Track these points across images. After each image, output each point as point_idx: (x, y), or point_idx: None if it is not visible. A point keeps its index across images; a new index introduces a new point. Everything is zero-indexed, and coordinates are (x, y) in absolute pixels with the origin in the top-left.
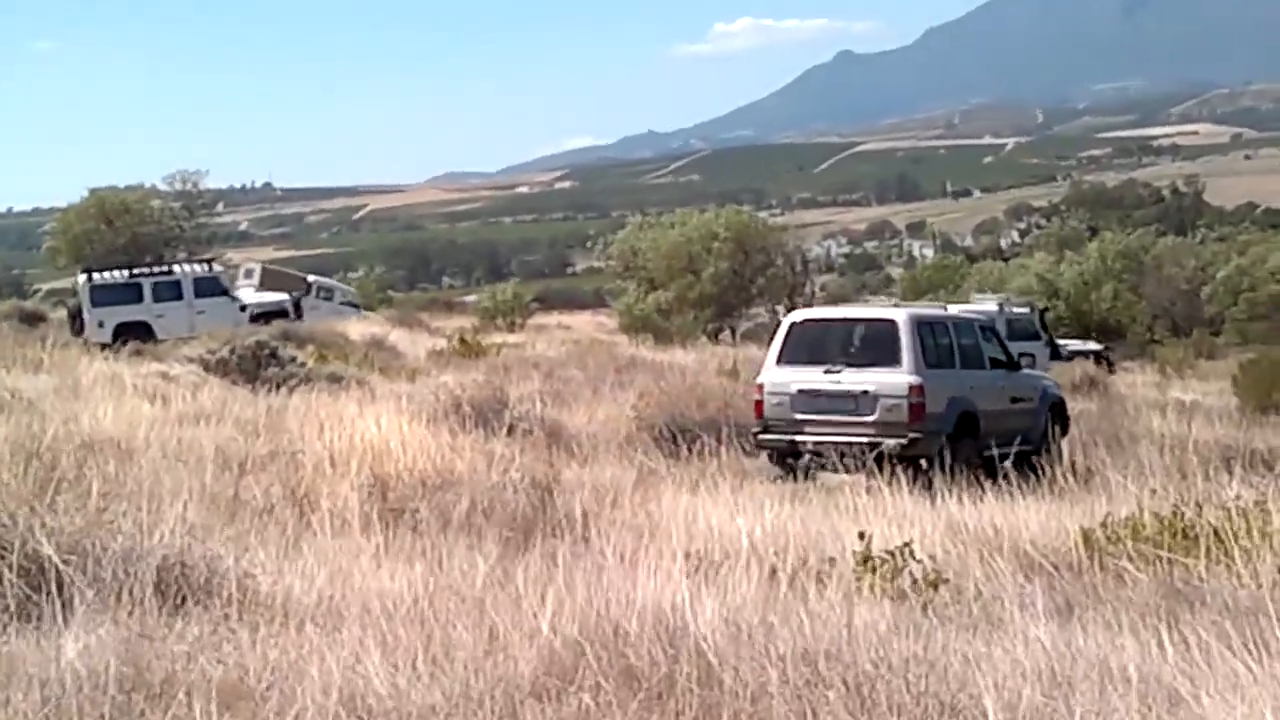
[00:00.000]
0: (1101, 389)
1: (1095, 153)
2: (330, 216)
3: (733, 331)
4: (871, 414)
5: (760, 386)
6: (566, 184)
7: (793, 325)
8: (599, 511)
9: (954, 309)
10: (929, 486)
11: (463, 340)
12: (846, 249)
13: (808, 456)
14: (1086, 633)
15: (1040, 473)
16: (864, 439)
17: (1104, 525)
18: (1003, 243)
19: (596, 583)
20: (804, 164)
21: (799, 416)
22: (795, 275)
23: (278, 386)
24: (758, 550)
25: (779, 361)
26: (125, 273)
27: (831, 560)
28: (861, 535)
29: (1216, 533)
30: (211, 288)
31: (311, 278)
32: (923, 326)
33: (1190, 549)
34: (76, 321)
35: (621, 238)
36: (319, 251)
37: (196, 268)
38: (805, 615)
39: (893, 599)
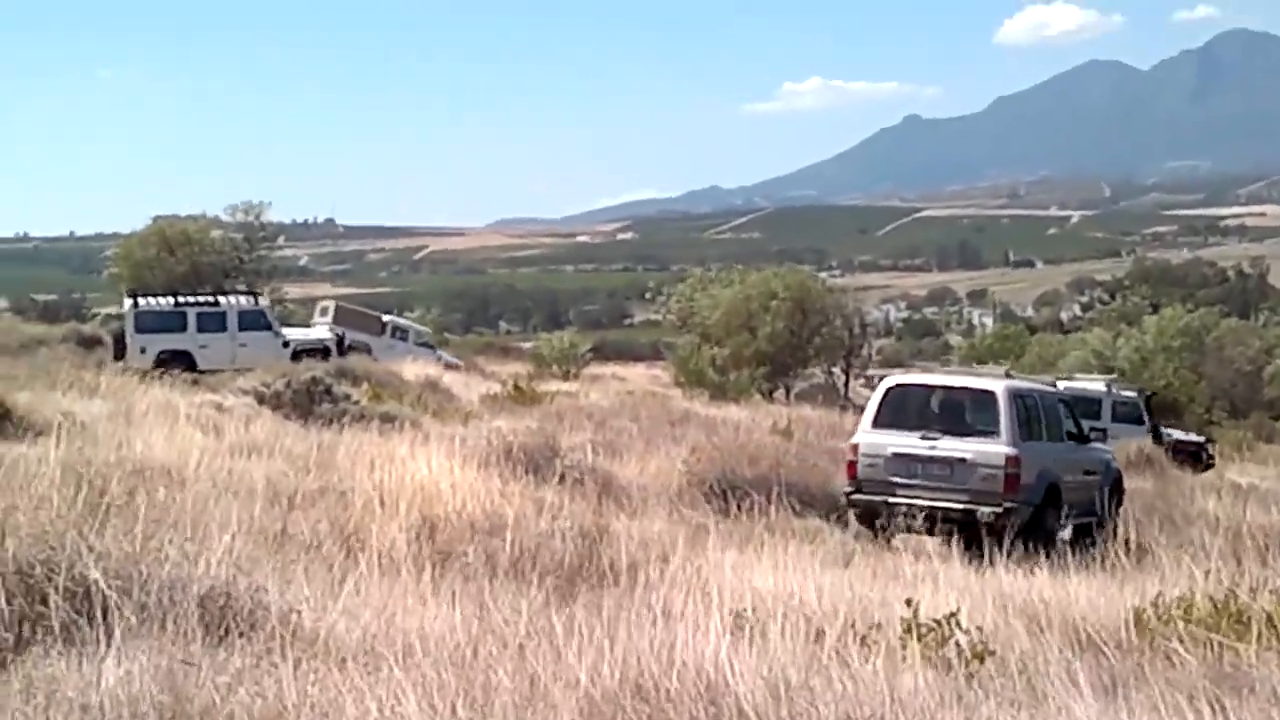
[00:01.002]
0: (1157, 468)
1: (1161, 229)
2: (390, 255)
3: (787, 391)
4: (966, 482)
5: (854, 447)
6: (628, 235)
7: (890, 389)
8: (646, 564)
9: (1062, 384)
10: (981, 556)
11: (517, 386)
12: (905, 314)
13: (899, 519)
14: (1132, 713)
15: (1096, 546)
16: (957, 506)
17: (1155, 604)
18: (1064, 315)
19: (640, 636)
20: (866, 226)
21: (892, 479)
22: (852, 337)
23: (330, 423)
24: (805, 611)
25: (874, 424)
26: (171, 300)
27: (878, 625)
28: (909, 602)
29: (1270, 618)
30: (255, 321)
31: (387, 317)
32: (1018, 398)
33: (1242, 634)
34: (119, 345)
35: (680, 291)
36: (378, 290)
37: (242, 300)
38: (848, 680)
39: (937, 668)
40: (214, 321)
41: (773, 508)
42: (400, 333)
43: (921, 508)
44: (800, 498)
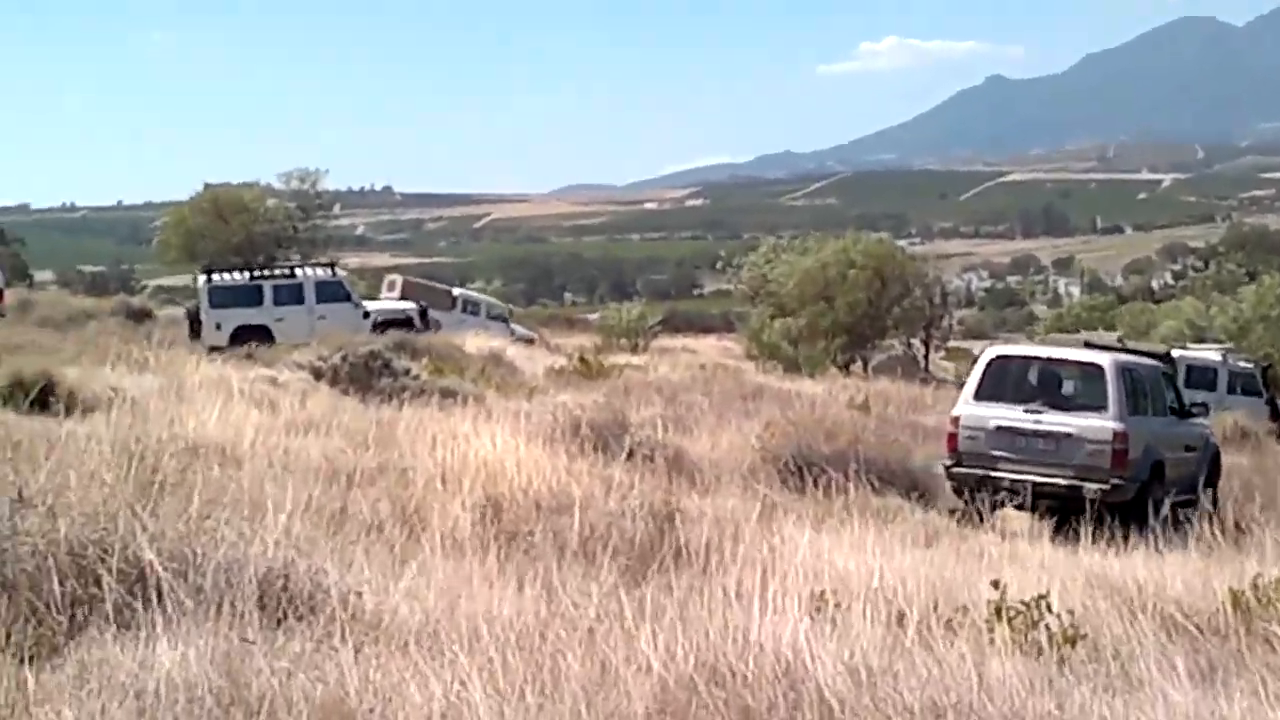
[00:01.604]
0: (1254, 442)
1: (1258, 193)
2: (449, 224)
3: (865, 363)
4: (1073, 457)
5: (955, 420)
6: (698, 201)
7: (992, 360)
8: (719, 544)
9: (1176, 353)
10: (1072, 535)
11: (583, 359)
12: (988, 283)
13: (1000, 494)
14: (1230, 700)
15: (1192, 525)
16: (1062, 481)
17: (1254, 586)
18: (1154, 284)
19: (714, 618)
20: (947, 191)
21: (994, 453)
22: (933, 308)
23: (390, 398)
24: (886, 593)
25: (976, 396)
26: (246, 274)
27: (963, 609)
28: (996, 584)
29: None
30: (334, 292)
31: (457, 290)
32: (1125, 372)
33: None
34: (194, 323)
35: (753, 260)
36: (437, 260)
37: (319, 271)
38: (933, 665)
39: (1026, 653)
40: (291, 294)
41: (850, 485)
42: (471, 307)
43: (1024, 483)
44: (879, 475)
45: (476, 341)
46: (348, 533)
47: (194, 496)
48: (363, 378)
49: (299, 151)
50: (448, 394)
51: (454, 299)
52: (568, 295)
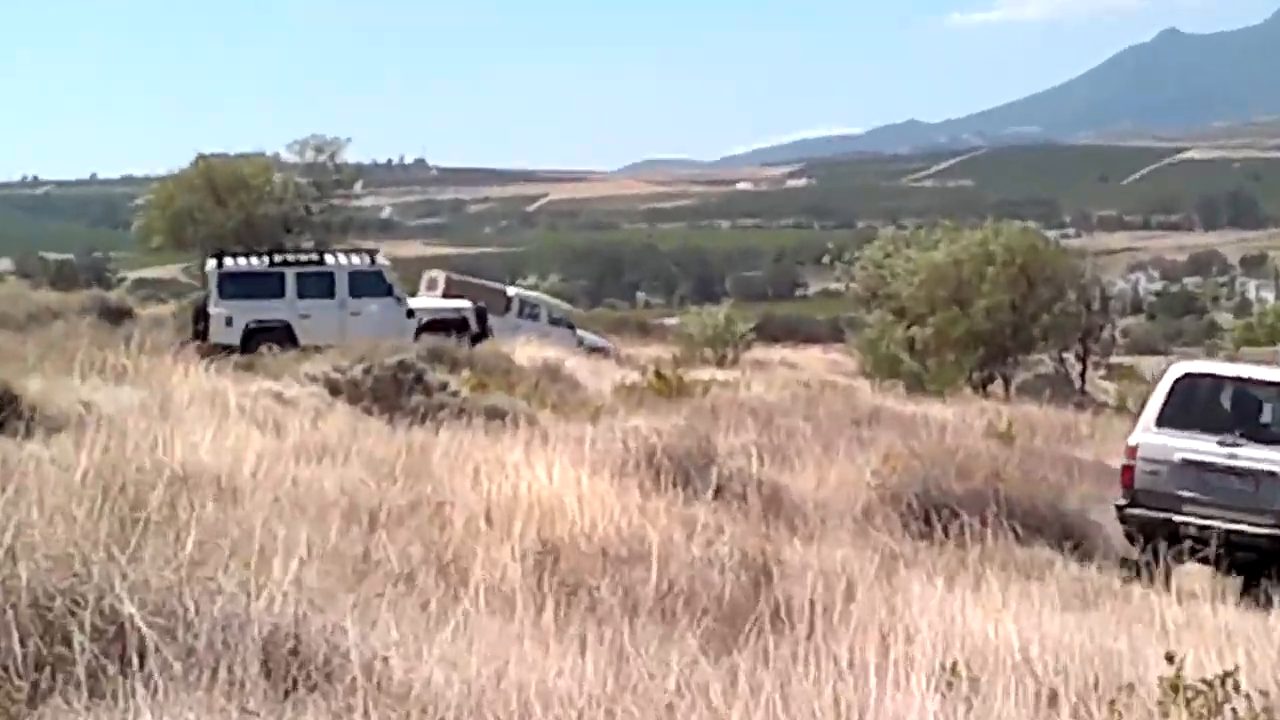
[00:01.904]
0: None
1: None
2: (497, 206)
3: (1006, 382)
4: (1275, 502)
5: (1133, 450)
6: (801, 181)
7: (1180, 379)
8: (827, 603)
9: None
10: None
11: (660, 374)
12: (1159, 285)
13: (1183, 543)
14: None
15: None
16: (1261, 531)
17: None
18: None
19: (820, 694)
20: (1109, 173)
21: (1179, 493)
22: (1091, 315)
23: (423, 419)
24: (1033, 666)
25: (1159, 423)
26: (265, 259)
27: (1129, 687)
28: (1170, 657)
29: None
30: (372, 285)
31: (512, 290)
32: None
33: None
34: (201, 319)
35: (869, 254)
36: (481, 250)
37: (354, 259)
38: None
39: None
40: (319, 285)
41: (989, 532)
42: (529, 309)
43: (1212, 530)
44: (1024, 520)
45: (528, 351)
46: (371, 584)
47: (184, 538)
48: (390, 393)
49: (312, 119)
50: (494, 414)
51: (508, 300)
52: (641, 295)
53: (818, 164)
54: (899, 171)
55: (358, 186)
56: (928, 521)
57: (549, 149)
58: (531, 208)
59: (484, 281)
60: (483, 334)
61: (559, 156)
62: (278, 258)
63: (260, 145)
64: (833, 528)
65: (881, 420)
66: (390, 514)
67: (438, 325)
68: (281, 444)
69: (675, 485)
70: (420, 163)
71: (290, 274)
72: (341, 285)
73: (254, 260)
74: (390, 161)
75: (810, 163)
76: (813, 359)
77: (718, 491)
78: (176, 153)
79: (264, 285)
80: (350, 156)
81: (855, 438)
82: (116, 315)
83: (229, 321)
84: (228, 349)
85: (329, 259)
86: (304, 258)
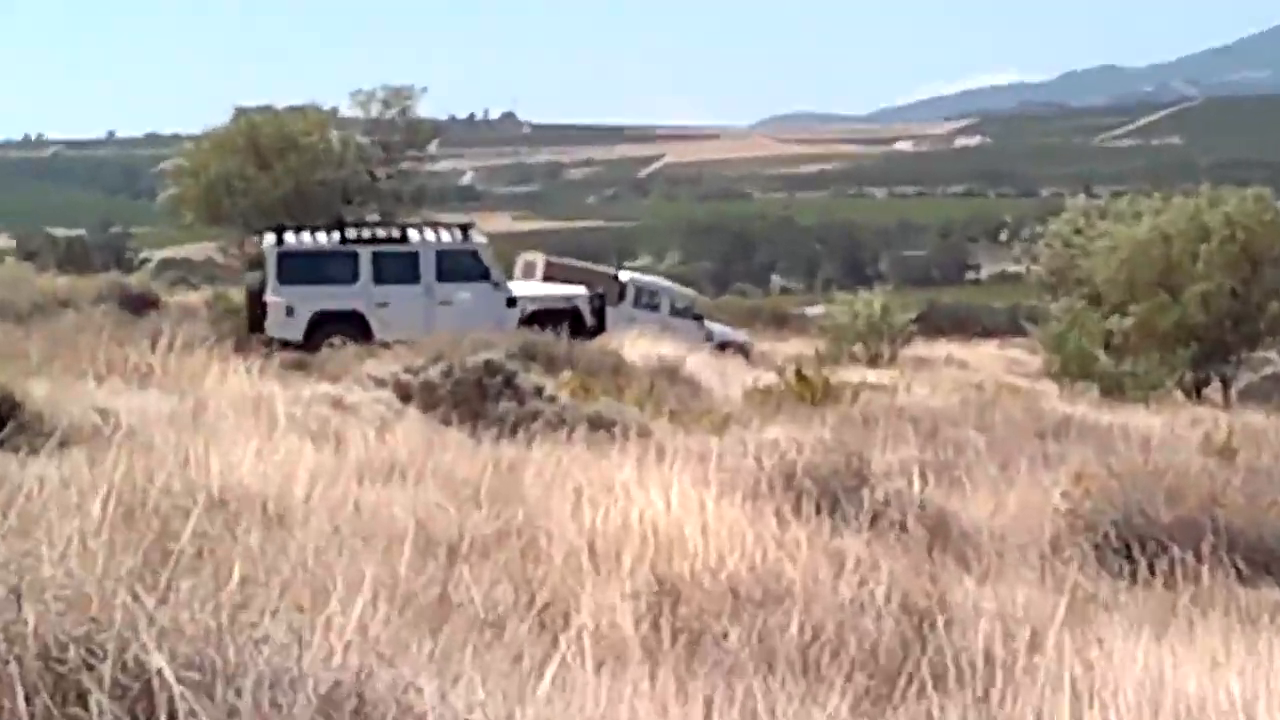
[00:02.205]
0: None
1: None
2: (602, 171)
3: (1225, 385)
4: None
5: None
6: (972, 140)
7: None
8: (1005, 656)
9: None
10: None
11: (801, 376)
12: None
13: None
14: None
15: None
16: None
17: None
18: None
19: None
20: None
21: None
22: None
23: (513, 430)
24: None
25: None
26: (335, 236)
27: None
28: None
29: None
30: (466, 268)
31: (626, 275)
32: None
33: None
34: (256, 307)
35: (1055, 230)
36: (582, 224)
37: (444, 235)
38: None
39: None
40: (400, 267)
41: (1205, 570)
42: (648, 297)
43: None
44: (1249, 555)
45: (640, 347)
46: (451, 630)
47: (224, 575)
48: (473, 399)
49: (376, 67)
50: (599, 425)
51: (621, 287)
52: (776, 279)
53: (992, 118)
54: (1092, 128)
55: (433, 147)
56: (1129, 556)
57: (666, 101)
58: (645, 173)
59: (591, 265)
60: (600, 327)
61: (678, 110)
62: (350, 233)
63: (313, 97)
64: (1012, 563)
65: (1072, 432)
66: (473, 546)
67: (545, 317)
68: (341, 461)
69: (820, 511)
70: (509, 118)
71: (365, 253)
72: (428, 267)
73: (321, 236)
74: (473, 117)
75: (983, 117)
76: (987, 356)
77: (872, 519)
78: (211, 107)
79: (333, 267)
80: (425, 110)
81: (1039, 453)
82: (139, 304)
83: (290, 311)
84: (287, 344)
85: (413, 235)
86: (382, 234)
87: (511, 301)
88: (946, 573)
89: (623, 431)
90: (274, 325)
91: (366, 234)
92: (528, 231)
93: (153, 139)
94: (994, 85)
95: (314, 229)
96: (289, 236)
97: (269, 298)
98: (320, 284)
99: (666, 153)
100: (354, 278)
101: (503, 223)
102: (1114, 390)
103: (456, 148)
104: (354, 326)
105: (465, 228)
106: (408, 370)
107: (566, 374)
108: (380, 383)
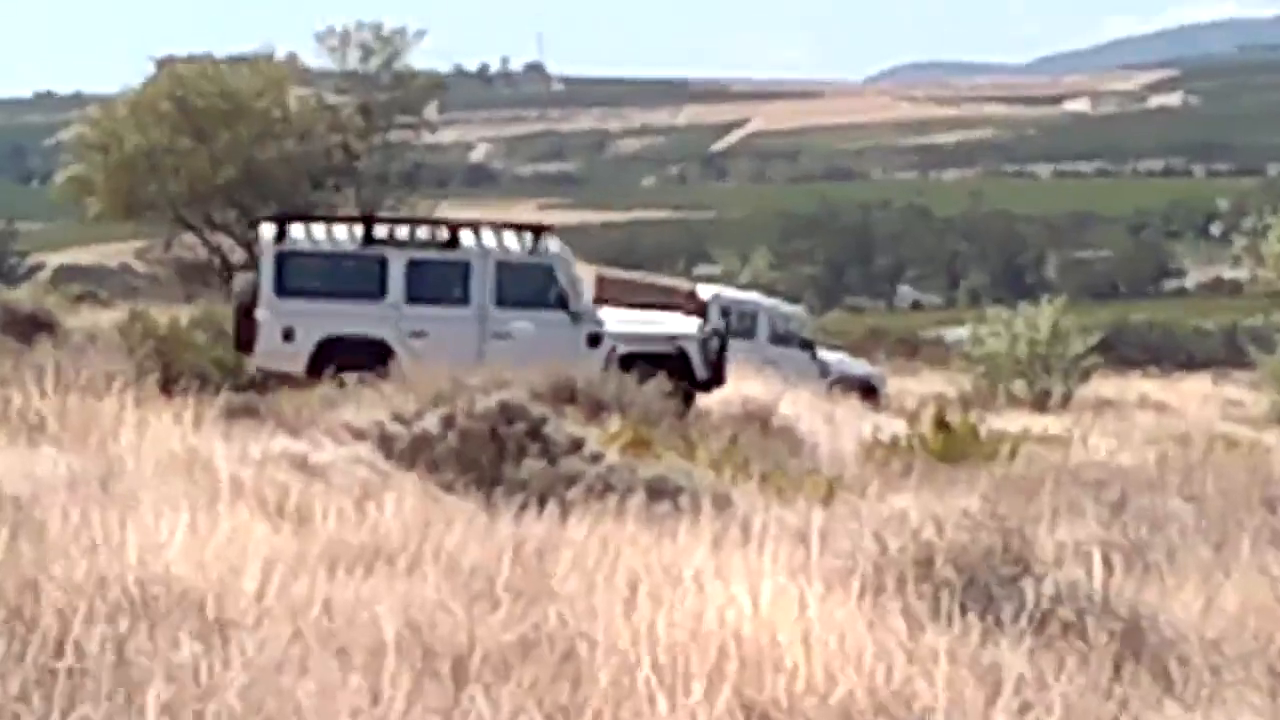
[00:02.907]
0: None
1: None
2: (663, 143)
3: None
4: None
5: None
6: (1173, 98)
7: None
8: None
9: None
10: None
11: (940, 424)
12: None
13: None
14: None
15: None
16: None
17: None
18: None
19: None
20: None
21: None
22: None
23: (541, 501)
24: None
25: None
26: (356, 232)
27: None
28: None
29: None
30: (535, 289)
31: (707, 290)
32: None
33: None
34: (244, 321)
35: None
36: (635, 214)
37: (509, 240)
38: None
39: None
40: (445, 281)
41: None
42: (740, 321)
43: None
44: None
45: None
46: None
47: (141, 702)
48: (486, 458)
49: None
50: (661, 493)
51: (702, 306)
52: (905, 290)
53: (1199, 69)
54: None
55: (432, 111)
56: None
57: (749, 45)
58: (721, 144)
59: (657, 279)
60: (717, 378)
61: (767, 59)
62: (379, 231)
63: (266, 42)
64: (1233, 682)
65: None
66: (488, 660)
67: (639, 362)
68: (306, 543)
69: (966, 611)
70: (535, 71)
71: (398, 260)
72: (483, 285)
73: (339, 232)
74: (487, 70)
75: (1188, 67)
76: (1194, 395)
77: (1038, 622)
78: (128, 58)
79: (352, 276)
80: (421, 61)
81: (1267, 530)
82: (27, 328)
83: (288, 334)
84: (282, 377)
85: (465, 238)
86: (424, 234)
87: (595, 339)
88: (1140, 695)
89: (693, 502)
90: (265, 352)
91: (402, 233)
92: (561, 227)
93: (46, 101)
94: (1204, 22)
95: (332, 221)
96: (295, 230)
97: (261, 313)
98: (333, 298)
99: (752, 116)
100: (380, 292)
101: (526, 210)
102: None
103: (464, 112)
104: (375, 358)
105: (539, 231)
106: (396, 418)
107: (615, 422)
108: (359, 435)
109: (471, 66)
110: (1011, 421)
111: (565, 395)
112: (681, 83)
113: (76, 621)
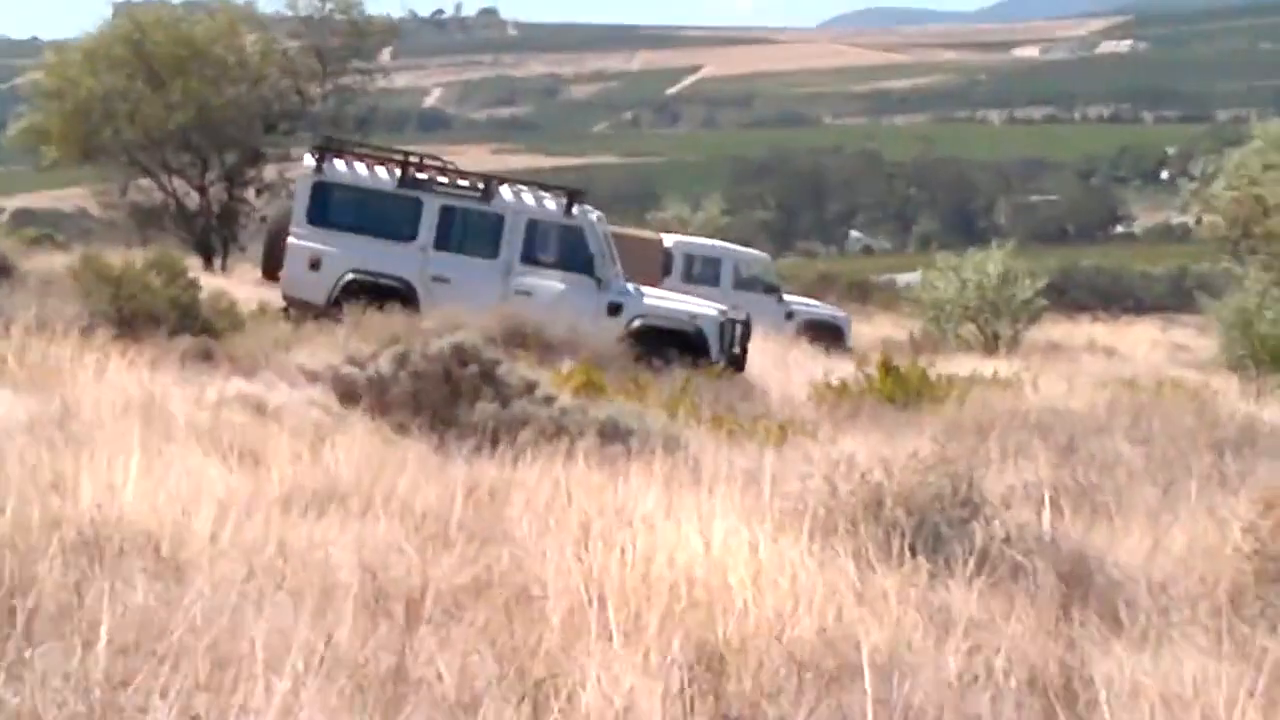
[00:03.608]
0: None
1: None
2: (616, 89)
3: None
4: None
5: None
6: (1123, 45)
7: None
8: None
9: None
10: None
11: (889, 368)
12: None
13: None
14: None
15: None
16: None
17: None
18: None
19: None
20: None
21: None
22: None
23: (494, 442)
24: None
25: None
26: (395, 172)
27: None
28: None
29: None
30: (564, 250)
31: (670, 238)
32: None
33: None
34: (273, 247)
35: (1238, 164)
36: (589, 160)
37: (546, 198)
38: None
39: None
40: (474, 231)
41: None
42: (704, 267)
43: None
44: None
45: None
46: (410, 716)
47: (96, 640)
48: (440, 400)
49: None
50: (613, 435)
51: (665, 254)
52: (856, 235)
53: (1152, 14)
54: None
55: (386, 56)
56: None
57: None
58: (674, 89)
59: (627, 231)
60: (738, 362)
61: (720, 6)
62: (413, 169)
63: None
64: (1179, 623)
65: (1257, 443)
66: (440, 601)
67: (655, 337)
68: (260, 485)
69: (915, 553)
70: (489, 16)
71: (431, 204)
72: (513, 239)
73: (380, 170)
74: (440, 15)
75: (1140, 13)
76: (1142, 340)
77: (987, 564)
78: (83, 4)
79: (385, 215)
80: (375, 6)
81: (1215, 472)
82: None
83: (315, 264)
84: (304, 305)
85: (504, 193)
86: (463, 183)
87: (616, 308)
88: (1088, 636)
89: (645, 444)
90: (291, 278)
91: (443, 180)
92: (514, 171)
93: (1, 46)
94: None
95: (373, 157)
96: (335, 163)
97: (290, 241)
98: (365, 234)
99: (705, 62)
100: (411, 234)
101: (480, 158)
102: None
103: (418, 57)
104: (398, 293)
105: (573, 195)
106: (351, 361)
107: (567, 365)
108: (314, 378)
109: (425, 11)
110: (961, 365)
111: (519, 338)
112: (635, 29)
113: (34, 560)
